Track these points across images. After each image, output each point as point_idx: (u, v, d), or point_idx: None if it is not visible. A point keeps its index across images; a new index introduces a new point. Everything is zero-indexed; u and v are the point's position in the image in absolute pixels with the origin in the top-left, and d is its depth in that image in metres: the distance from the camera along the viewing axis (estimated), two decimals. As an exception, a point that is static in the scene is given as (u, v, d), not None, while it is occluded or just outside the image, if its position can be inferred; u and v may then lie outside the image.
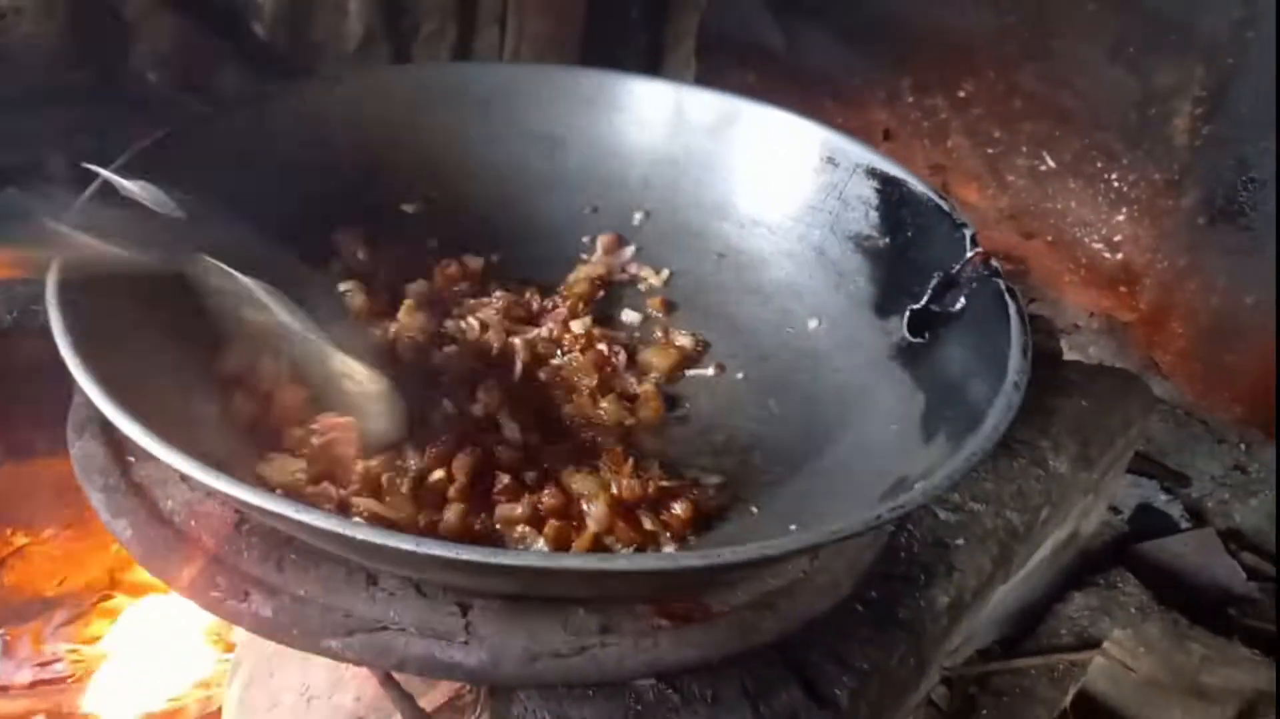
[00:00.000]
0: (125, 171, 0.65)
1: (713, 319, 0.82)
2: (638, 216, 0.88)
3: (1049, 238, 1.18)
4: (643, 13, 1.50)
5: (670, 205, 0.88)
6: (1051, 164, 1.15)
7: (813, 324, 0.79)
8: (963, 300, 0.68)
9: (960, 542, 0.64)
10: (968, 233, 0.70)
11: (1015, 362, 0.58)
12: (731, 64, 1.45)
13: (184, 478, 0.59)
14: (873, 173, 0.78)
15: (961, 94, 1.21)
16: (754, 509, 0.63)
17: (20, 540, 0.78)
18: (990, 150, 1.20)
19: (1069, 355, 1.05)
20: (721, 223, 0.86)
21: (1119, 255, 1.11)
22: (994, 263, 0.67)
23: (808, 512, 0.60)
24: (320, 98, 0.82)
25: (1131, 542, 0.98)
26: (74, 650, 0.78)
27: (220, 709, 0.71)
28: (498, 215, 0.87)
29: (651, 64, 1.56)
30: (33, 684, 0.75)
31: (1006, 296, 0.64)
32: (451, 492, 0.57)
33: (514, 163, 0.88)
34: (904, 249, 0.75)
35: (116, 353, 0.54)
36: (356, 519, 0.53)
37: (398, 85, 0.87)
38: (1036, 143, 1.15)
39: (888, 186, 0.77)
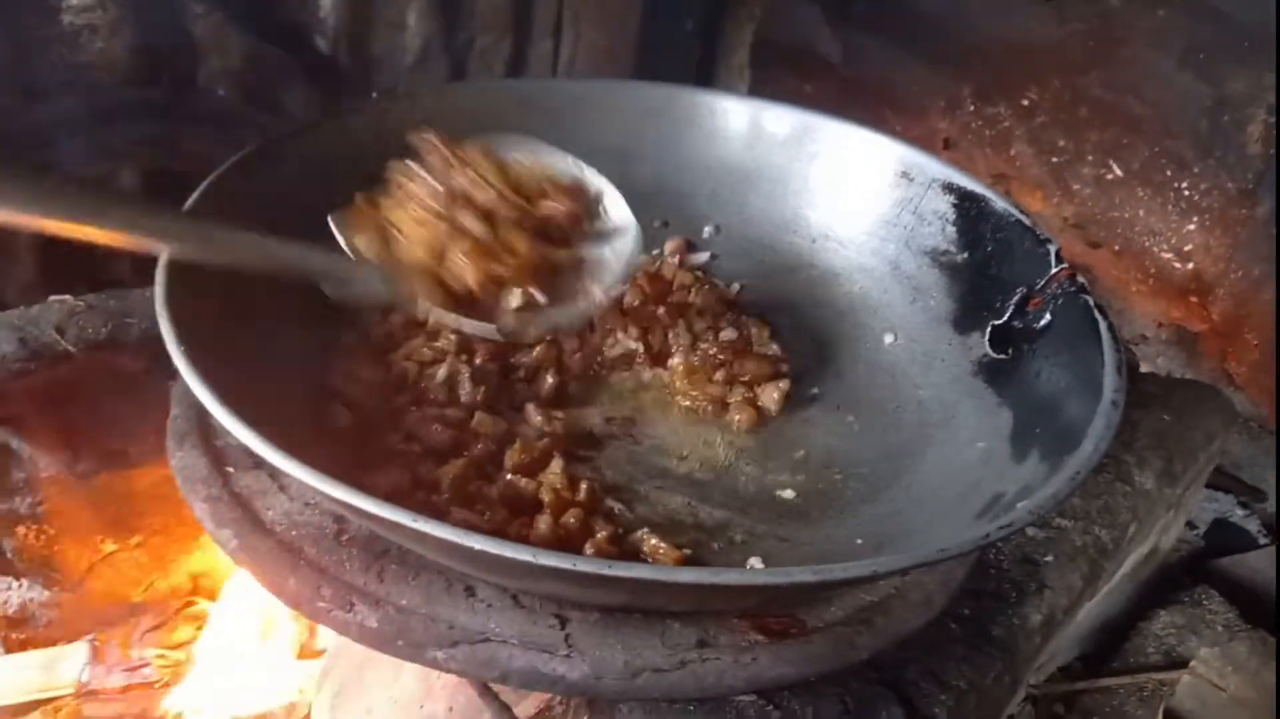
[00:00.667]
0: (214, 187, 0.67)
1: (784, 334, 0.82)
2: (708, 230, 0.89)
3: (1116, 247, 1.16)
4: (697, 23, 1.51)
5: (741, 219, 0.88)
6: (1119, 172, 1.14)
7: (888, 339, 0.78)
8: (1048, 316, 0.68)
9: (1049, 559, 0.64)
10: (1052, 248, 0.70)
11: (1111, 379, 0.57)
12: (786, 73, 1.45)
13: (283, 488, 0.61)
14: (949, 188, 0.78)
15: (1025, 102, 1.20)
16: (842, 523, 0.63)
17: (109, 547, 0.80)
18: (1055, 159, 1.19)
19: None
20: (793, 237, 0.86)
21: (1190, 265, 1.10)
22: (1080, 279, 0.67)
23: (900, 527, 0.60)
24: (399, 115, 0.83)
25: (1208, 557, 0.96)
26: (161, 655, 0.80)
27: (308, 715, 0.72)
28: (569, 229, 0.88)
29: (705, 74, 1.56)
30: (124, 689, 0.76)
31: (1096, 313, 0.64)
32: (548, 498, 0.58)
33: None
34: (983, 264, 0.75)
35: (224, 363, 0.55)
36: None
37: (473, 101, 0.88)
38: (1103, 151, 1.14)
39: (965, 202, 0.77)
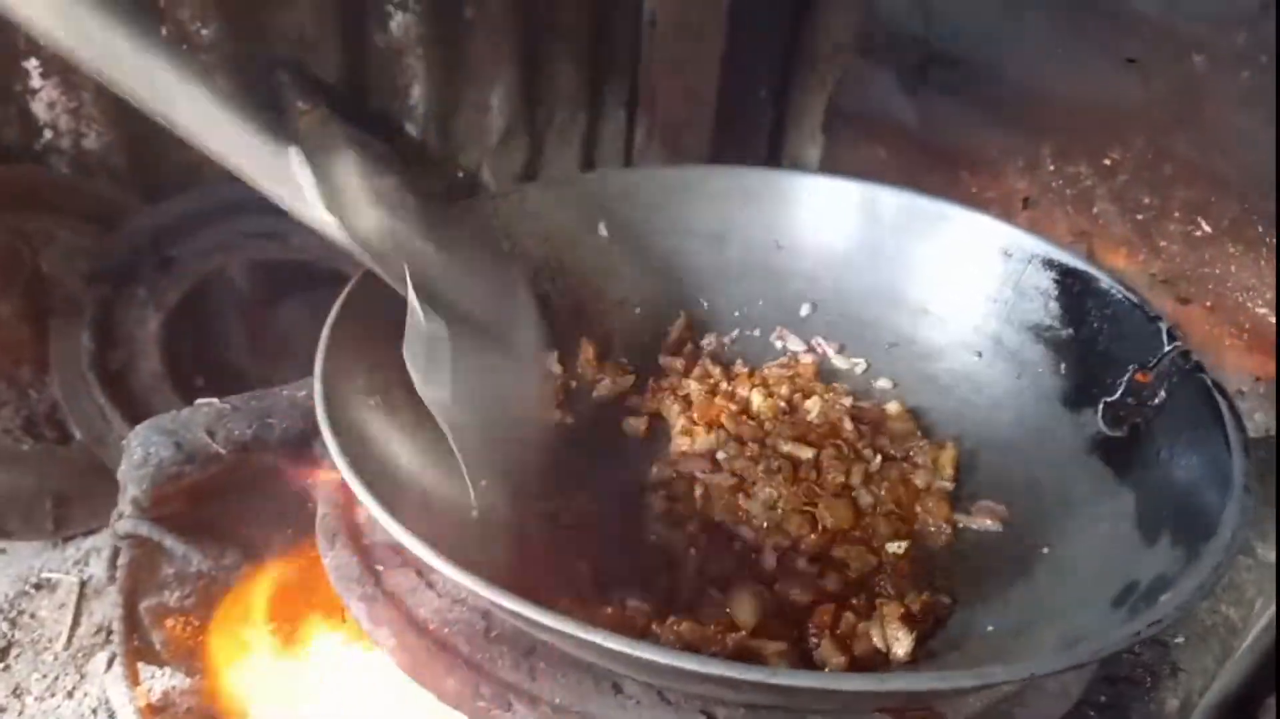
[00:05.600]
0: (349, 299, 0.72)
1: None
2: (805, 308, 0.91)
3: (1208, 303, 1.16)
4: (770, 92, 1.55)
5: (838, 297, 0.90)
6: (1207, 229, 1.13)
7: (994, 415, 0.79)
8: (1163, 394, 0.68)
9: (1180, 640, 0.64)
10: (1163, 326, 0.70)
11: (1239, 463, 0.58)
12: (861, 138, 1.47)
13: (431, 585, 0.64)
14: (1050, 264, 0.79)
15: (1107, 161, 1.21)
16: (971, 606, 0.64)
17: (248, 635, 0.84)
18: (1140, 216, 1.19)
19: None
20: (891, 312, 0.88)
21: (1286, 320, 1.09)
22: (1195, 357, 0.68)
23: (1032, 612, 0.61)
24: (508, 212, 0.87)
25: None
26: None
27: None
28: (667, 311, 0.91)
29: (777, 140, 1.60)
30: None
31: (1215, 393, 0.64)
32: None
33: (683, 260, 0.92)
34: (1090, 341, 0.76)
35: (382, 469, 0.59)
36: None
37: (575, 191, 0.91)
38: (1190, 208, 1.14)
39: (1067, 278, 0.78)
